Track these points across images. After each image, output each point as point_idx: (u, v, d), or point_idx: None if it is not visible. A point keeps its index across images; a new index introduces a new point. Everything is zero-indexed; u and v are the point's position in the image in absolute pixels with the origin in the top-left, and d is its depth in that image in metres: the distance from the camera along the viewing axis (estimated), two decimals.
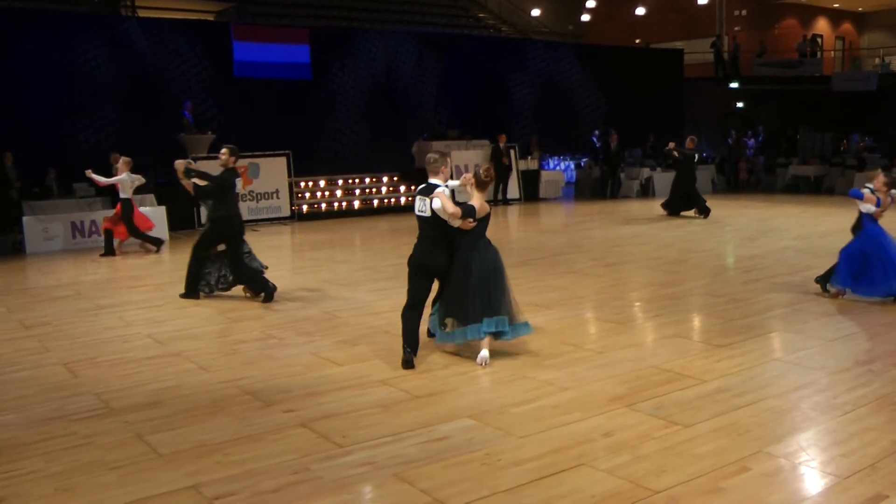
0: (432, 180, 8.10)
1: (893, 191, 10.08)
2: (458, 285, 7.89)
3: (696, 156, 21.79)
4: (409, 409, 6.50)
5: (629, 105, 31.38)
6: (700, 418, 6.06)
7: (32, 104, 20.54)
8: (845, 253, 10.27)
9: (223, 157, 11.38)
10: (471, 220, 7.70)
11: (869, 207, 10.05)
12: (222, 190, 11.28)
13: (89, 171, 16.34)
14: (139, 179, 16.17)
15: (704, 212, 20.64)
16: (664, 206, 21.32)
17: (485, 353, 7.76)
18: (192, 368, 7.96)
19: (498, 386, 7.04)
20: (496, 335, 7.81)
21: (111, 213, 17.55)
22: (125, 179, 15.91)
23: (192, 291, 11.39)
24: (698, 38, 34.55)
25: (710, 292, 10.87)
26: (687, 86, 34.21)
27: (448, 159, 8.36)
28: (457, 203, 7.78)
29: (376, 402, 6.70)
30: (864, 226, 10.17)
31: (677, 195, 21.12)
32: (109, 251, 16.14)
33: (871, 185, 10.10)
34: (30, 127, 19.95)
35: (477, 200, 7.66)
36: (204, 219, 15.52)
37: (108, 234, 16.24)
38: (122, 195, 16.03)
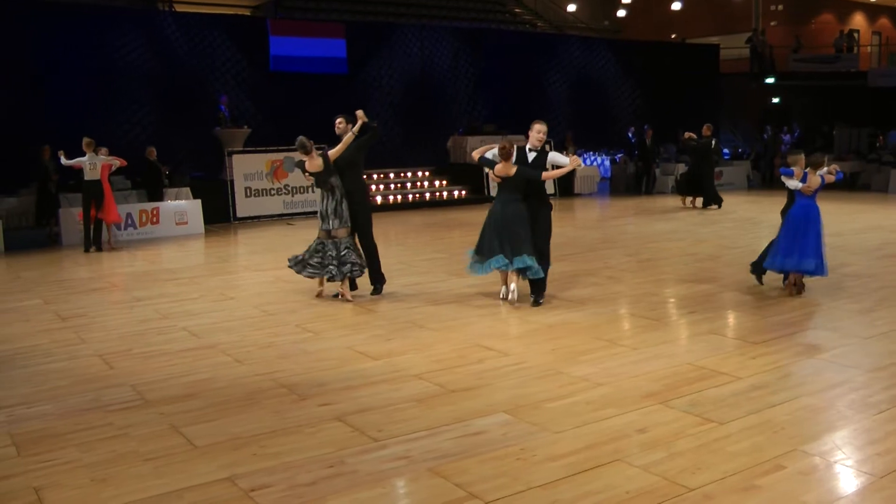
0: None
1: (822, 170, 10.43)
2: (485, 226, 10.23)
3: (713, 142, 21.83)
4: (444, 404, 6.52)
5: (664, 100, 31.22)
6: (735, 416, 6.03)
7: (69, 99, 20.75)
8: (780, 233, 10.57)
9: (341, 126, 11.12)
10: (489, 169, 10.17)
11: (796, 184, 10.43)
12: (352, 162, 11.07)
13: (61, 152, 16.27)
14: (110, 160, 16.20)
15: (713, 202, 20.66)
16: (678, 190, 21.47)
17: (513, 286, 10.13)
18: (228, 361, 8.02)
19: (532, 381, 7.04)
20: (521, 272, 9.97)
21: (149, 206, 17.82)
22: (85, 161, 15.87)
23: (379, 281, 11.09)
24: (734, 33, 34.24)
25: (744, 289, 10.81)
26: (722, 81, 33.97)
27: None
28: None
29: (411, 397, 6.72)
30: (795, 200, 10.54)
31: (687, 179, 21.22)
32: (97, 243, 16.34)
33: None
34: (67, 121, 20.13)
35: (500, 165, 9.87)
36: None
37: (98, 224, 16.36)
38: (86, 177, 16.00)
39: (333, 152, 10.59)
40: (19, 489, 5.20)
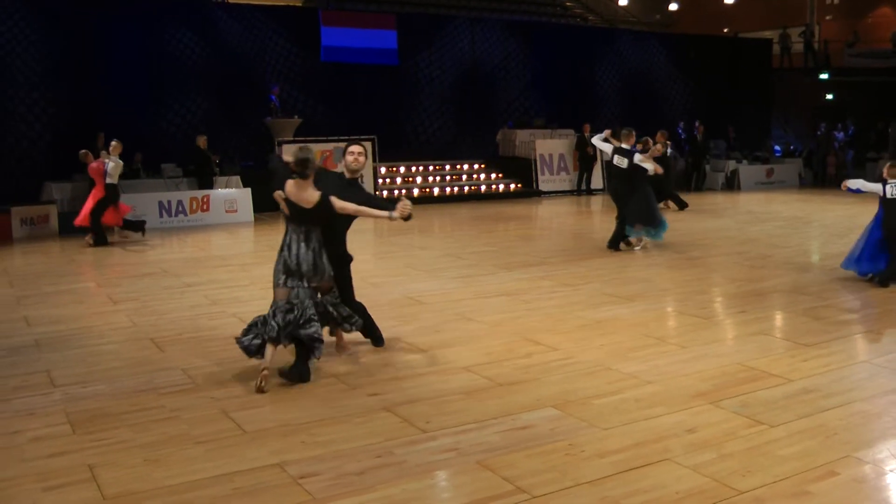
0: (624, 145, 13.81)
1: None
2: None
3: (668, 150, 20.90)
4: (493, 397, 6.52)
5: (716, 96, 30.94)
6: (786, 419, 5.95)
7: (122, 89, 21.02)
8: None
9: (360, 160, 7.74)
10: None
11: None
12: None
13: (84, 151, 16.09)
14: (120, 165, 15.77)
15: (680, 205, 20.69)
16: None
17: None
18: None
19: (581, 377, 7.02)
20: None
21: (199, 193, 17.99)
22: (111, 164, 15.50)
23: None
24: (788, 27, 33.76)
25: (795, 289, 10.68)
26: (775, 76, 33.55)
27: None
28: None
29: (459, 389, 6.74)
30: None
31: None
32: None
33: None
34: (120, 109, 20.41)
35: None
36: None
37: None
38: (109, 181, 15.58)
39: (340, 206, 7.18)
40: (74, 466, 5.30)
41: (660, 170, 14.30)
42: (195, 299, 10.46)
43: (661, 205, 19.76)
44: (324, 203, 7.08)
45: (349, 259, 8.01)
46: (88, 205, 15.77)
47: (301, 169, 7.10)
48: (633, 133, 14.05)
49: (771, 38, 33.99)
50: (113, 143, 15.67)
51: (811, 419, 5.95)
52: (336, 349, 7.75)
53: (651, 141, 18.49)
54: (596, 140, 14.78)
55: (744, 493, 4.79)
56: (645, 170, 13.75)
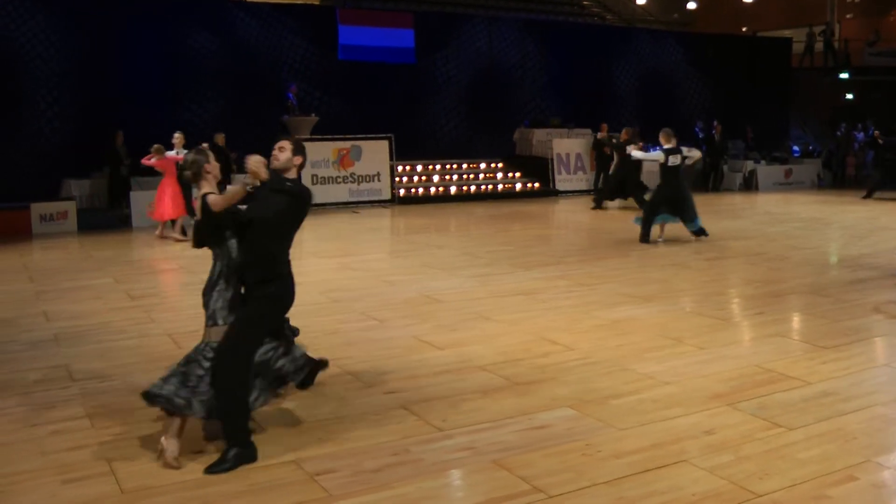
0: (669, 145, 14.36)
1: None
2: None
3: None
4: (509, 396, 6.52)
5: (734, 95, 30.81)
6: (804, 422, 5.92)
7: (141, 86, 21.12)
8: None
9: (282, 156, 5.82)
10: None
11: None
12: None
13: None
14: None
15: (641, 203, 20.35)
16: (595, 196, 21.18)
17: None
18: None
19: (598, 377, 7.01)
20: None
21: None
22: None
23: None
24: (808, 25, 33.55)
25: (814, 291, 10.62)
26: (794, 76, 33.37)
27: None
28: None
29: (476, 388, 6.73)
30: None
31: (612, 183, 20.78)
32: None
33: None
34: (138, 107, 20.49)
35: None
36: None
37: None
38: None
39: (212, 199, 5.45)
40: (93, 460, 5.35)
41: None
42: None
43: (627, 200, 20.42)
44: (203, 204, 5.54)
45: (273, 295, 5.70)
46: (166, 199, 15.61)
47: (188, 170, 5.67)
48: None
49: (790, 36, 33.80)
50: (176, 135, 15.76)
51: (830, 423, 5.91)
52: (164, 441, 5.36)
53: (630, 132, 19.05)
54: (638, 154, 15.91)
55: (761, 497, 4.77)
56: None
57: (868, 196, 23.52)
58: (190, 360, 5.49)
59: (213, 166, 5.60)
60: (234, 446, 5.26)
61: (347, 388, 6.77)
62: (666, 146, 14.45)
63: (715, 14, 37.96)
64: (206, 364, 5.41)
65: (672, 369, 7.20)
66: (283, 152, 5.70)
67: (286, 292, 5.78)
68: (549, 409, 6.23)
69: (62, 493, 4.91)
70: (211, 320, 5.57)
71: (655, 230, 14.97)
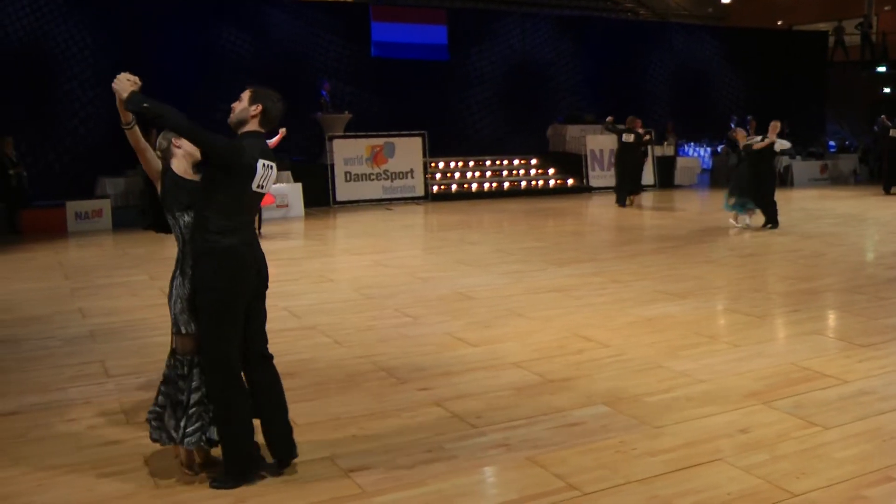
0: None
1: None
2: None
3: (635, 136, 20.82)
4: (543, 393, 6.51)
5: (769, 90, 30.56)
6: (841, 421, 5.86)
7: (174, 84, 21.21)
8: None
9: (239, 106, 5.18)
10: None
11: None
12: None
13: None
14: None
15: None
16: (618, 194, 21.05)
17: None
18: (327, 342, 8.14)
19: (632, 374, 6.98)
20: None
21: None
22: None
23: None
24: (844, 19, 33.16)
25: (851, 288, 10.51)
26: (830, 70, 33.02)
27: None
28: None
29: (510, 385, 6.72)
30: None
31: (628, 179, 20.83)
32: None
33: None
34: (170, 104, 20.60)
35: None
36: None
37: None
38: None
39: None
40: (129, 455, 5.40)
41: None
42: None
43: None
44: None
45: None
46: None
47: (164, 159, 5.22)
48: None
49: (826, 30, 33.44)
50: None
51: (867, 422, 5.84)
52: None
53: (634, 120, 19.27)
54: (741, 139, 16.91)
55: (798, 496, 4.72)
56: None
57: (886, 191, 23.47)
58: (167, 381, 5.08)
59: (182, 141, 5.03)
60: (229, 474, 4.92)
61: (381, 385, 6.79)
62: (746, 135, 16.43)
63: (749, 8, 37.61)
64: (183, 384, 4.99)
65: (707, 367, 7.16)
66: (240, 103, 5.04)
67: (223, 266, 4.78)
68: (583, 406, 6.21)
69: (98, 487, 4.96)
70: (174, 326, 5.07)
71: (743, 217, 16.24)
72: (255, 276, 4.95)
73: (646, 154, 21.49)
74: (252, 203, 4.97)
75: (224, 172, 4.78)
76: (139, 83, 4.79)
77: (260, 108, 4.97)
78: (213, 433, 4.96)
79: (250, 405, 5.00)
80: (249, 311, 4.97)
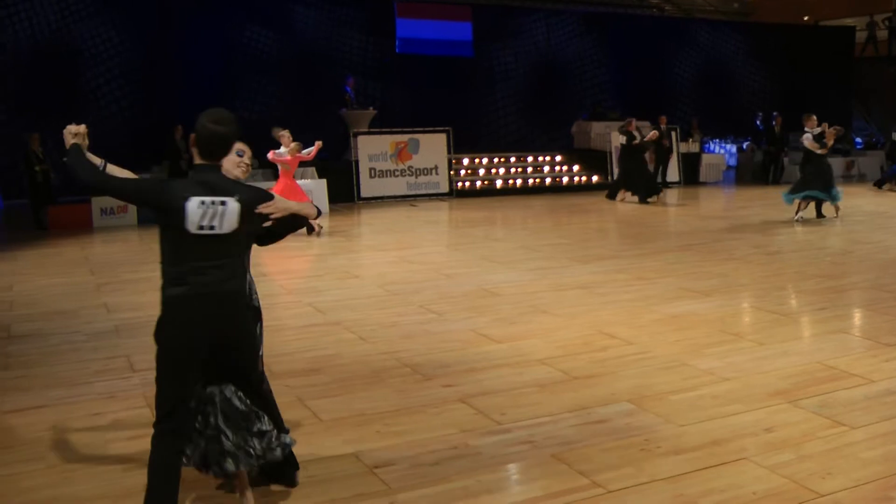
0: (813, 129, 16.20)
1: None
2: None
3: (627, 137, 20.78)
4: (568, 390, 6.50)
5: (795, 86, 30.37)
6: (868, 420, 5.82)
7: (199, 80, 21.40)
8: None
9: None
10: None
11: None
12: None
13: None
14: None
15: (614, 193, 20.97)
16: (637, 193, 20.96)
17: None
18: (352, 338, 8.16)
19: (657, 371, 6.96)
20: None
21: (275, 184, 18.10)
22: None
23: None
24: (872, 13, 32.85)
25: (877, 286, 10.43)
26: (857, 65, 32.73)
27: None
28: None
29: (534, 382, 6.72)
30: None
31: (645, 177, 20.96)
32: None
33: None
34: (196, 101, 20.65)
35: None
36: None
37: None
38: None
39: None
40: None
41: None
42: (271, 288, 10.57)
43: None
44: None
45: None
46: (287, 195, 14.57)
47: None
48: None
49: (853, 25, 33.15)
50: (284, 132, 15.14)
51: (894, 422, 5.79)
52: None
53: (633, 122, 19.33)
54: (807, 141, 16.62)
55: (824, 497, 4.70)
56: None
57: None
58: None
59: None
60: None
61: (406, 381, 6.81)
62: (810, 131, 16.30)
63: (775, 3, 37.31)
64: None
65: (732, 365, 7.13)
66: None
67: (164, 317, 4.34)
68: (607, 403, 6.20)
69: (123, 481, 5.00)
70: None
71: (798, 206, 16.61)
72: (207, 331, 4.29)
73: (643, 151, 21.34)
74: (200, 247, 4.25)
75: (156, 217, 4.31)
76: (83, 131, 4.56)
77: (192, 137, 4.35)
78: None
79: (174, 476, 4.33)
80: (211, 371, 4.44)
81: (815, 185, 16.37)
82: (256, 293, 4.98)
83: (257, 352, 4.81)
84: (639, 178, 20.61)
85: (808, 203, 16.64)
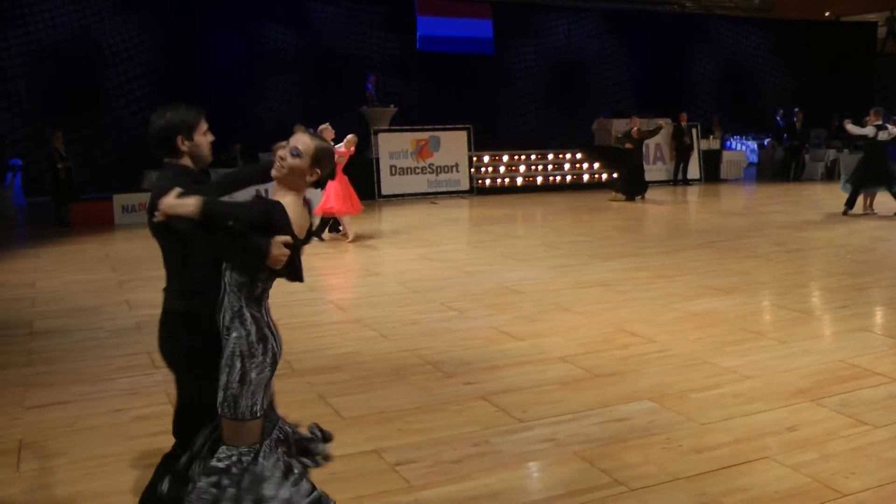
0: (878, 122, 16.41)
1: None
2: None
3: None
4: (589, 388, 6.50)
5: (816, 82, 30.21)
6: (891, 419, 5.79)
7: (219, 79, 21.49)
8: None
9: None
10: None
11: None
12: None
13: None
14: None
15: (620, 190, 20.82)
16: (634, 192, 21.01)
17: None
18: (374, 336, 8.18)
19: (678, 370, 6.95)
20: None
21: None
22: None
23: None
24: (893, 9, 32.55)
25: None
26: (879, 61, 32.51)
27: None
28: None
29: (556, 379, 6.73)
30: None
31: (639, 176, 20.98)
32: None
33: None
34: (217, 100, 20.81)
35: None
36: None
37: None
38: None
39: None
40: None
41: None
42: (292, 286, 10.52)
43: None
44: None
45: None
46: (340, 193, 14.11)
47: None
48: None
49: (875, 20, 32.93)
50: (325, 126, 14.98)
51: None
52: None
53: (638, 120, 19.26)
54: (853, 129, 17.30)
55: (847, 496, 4.68)
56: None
57: None
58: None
59: None
60: None
61: (427, 379, 6.82)
62: (875, 123, 16.59)
63: None
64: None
65: (753, 363, 7.11)
66: None
67: None
68: (629, 401, 6.20)
69: (145, 477, 4.99)
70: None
71: (861, 202, 17.02)
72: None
73: (639, 149, 21.36)
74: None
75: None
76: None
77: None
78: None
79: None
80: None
81: (872, 180, 16.82)
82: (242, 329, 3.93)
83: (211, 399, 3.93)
84: (627, 176, 20.84)
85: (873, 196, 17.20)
